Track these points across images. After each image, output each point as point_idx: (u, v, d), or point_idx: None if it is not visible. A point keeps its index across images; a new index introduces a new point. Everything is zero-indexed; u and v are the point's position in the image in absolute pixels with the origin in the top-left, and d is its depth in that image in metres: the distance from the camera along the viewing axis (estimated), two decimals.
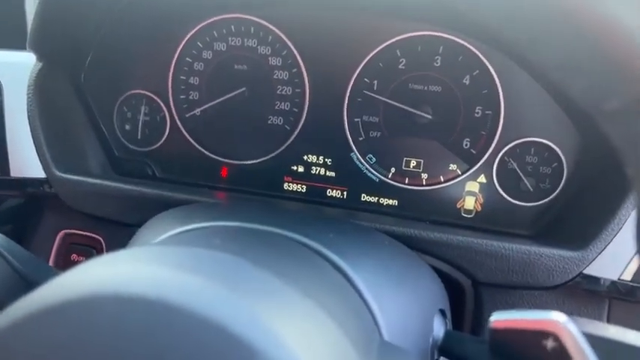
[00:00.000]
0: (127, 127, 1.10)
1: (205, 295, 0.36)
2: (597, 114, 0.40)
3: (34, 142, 0.96)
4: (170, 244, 0.51)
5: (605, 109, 0.38)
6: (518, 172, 0.95)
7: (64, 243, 1.03)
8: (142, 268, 0.40)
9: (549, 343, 0.44)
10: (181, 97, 1.07)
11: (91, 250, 1.00)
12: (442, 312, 0.72)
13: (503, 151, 0.95)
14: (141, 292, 0.37)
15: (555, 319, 0.45)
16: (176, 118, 1.08)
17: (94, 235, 1.00)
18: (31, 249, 1.04)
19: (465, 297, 0.89)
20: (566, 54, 0.36)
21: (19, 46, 1.13)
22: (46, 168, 0.96)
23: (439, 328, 0.70)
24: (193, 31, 1.04)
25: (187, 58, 1.06)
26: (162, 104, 1.08)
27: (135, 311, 0.37)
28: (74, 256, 1.01)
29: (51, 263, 1.03)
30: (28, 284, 0.72)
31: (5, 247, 0.71)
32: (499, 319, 0.47)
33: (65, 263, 1.02)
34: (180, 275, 0.39)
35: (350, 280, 0.57)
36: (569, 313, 0.85)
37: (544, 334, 0.45)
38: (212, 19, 1.03)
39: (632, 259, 0.79)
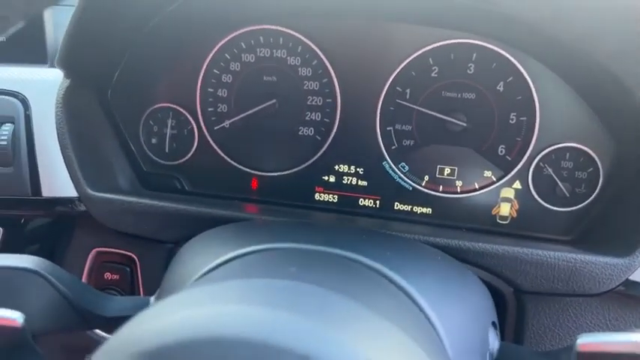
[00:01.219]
0: (154, 140, 1.08)
1: (315, 337, 0.36)
2: None
3: (65, 161, 0.94)
4: (245, 275, 0.50)
5: None
6: (554, 177, 0.95)
7: (96, 261, 1.01)
8: (238, 308, 0.39)
9: None
10: (209, 109, 1.06)
11: (124, 268, 0.99)
12: (494, 324, 0.72)
13: (538, 157, 0.95)
14: (245, 335, 0.36)
15: None
16: (204, 130, 1.06)
17: (127, 253, 0.99)
18: (63, 268, 1.03)
19: (507, 305, 0.89)
20: (624, 42, 0.35)
21: (37, 60, 1.12)
22: (78, 187, 0.94)
23: (493, 342, 0.70)
24: (221, 44, 1.03)
25: (215, 71, 1.04)
26: (189, 117, 1.06)
27: (239, 356, 0.36)
28: (107, 275, 1.00)
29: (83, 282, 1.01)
30: (75, 310, 0.71)
31: (51, 272, 0.70)
32: (586, 342, 0.46)
33: (97, 282, 1.01)
34: (281, 314, 0.38)
35: (417, 304, 0.56)
36: (614, 318, 0.85)
37: (635, 357, 0.44)
38: (240, 31, 1.02)
39: None
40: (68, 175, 0.95)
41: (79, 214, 0.98)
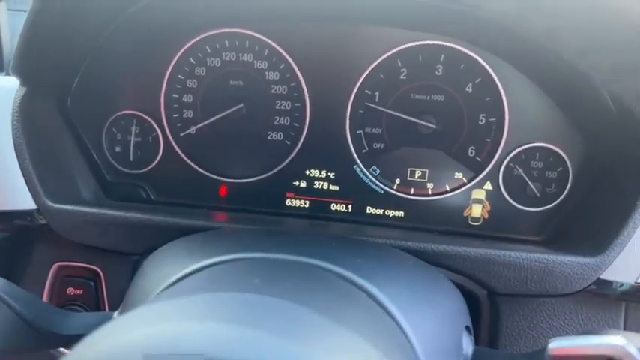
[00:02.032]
0: (118, 149, 1.05)
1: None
2: (627, 94, 0.38)
3: (23, 172, 0.90)
4: (206, 288, 0.48)
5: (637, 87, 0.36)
6: (525, 177, 0.95)
7: (58, 276, 0.97)
8: (196, 324, 0.37)
9: None
10: (175, 115, 1.03)
11: (88, 282, 0.95)
12: (467, 328, 0.71)
13: (508, 157, 0.95)
14: (204, 352, 0.34)
15: (616, 343, 0.44)
16: (170, 137, 1.03)
17: (91, 267, 0.95)
18: (22, 284, 0.98)
19: (481, 308, 0.88)
20: (590, 38, 0.34)
21: None
22: (37, 199, 0.90)
23: (467, 346, 0.69)
24: (185, 48, 1.00)
25: (180, 76, 1.02)
26: (154, 124, 1.03)
27: None
28: (70, 290, 0.96)
29: (44, 298, 0.97)
30: (34, 329, 0.68)
31: (7, 291, 0.67)
32: (558, 346, 0.45)
33: (60, 297, 0.97)
34: (240, 330, 0.36)
35: (389, 313, 0.55)
36: (587, 318, 0.85)
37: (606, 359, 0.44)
38: (204, 35, 0.99)
39: None
40: (26, 186, 0.91)
41: (38, 228, 0.93)
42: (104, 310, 0.96)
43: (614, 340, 0.45)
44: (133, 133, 1.04)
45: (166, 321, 0.37)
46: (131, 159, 1.05)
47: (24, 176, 0.90)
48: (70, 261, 0.96)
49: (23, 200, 0.91)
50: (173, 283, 0.58)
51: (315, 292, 0.49)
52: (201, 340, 0.35)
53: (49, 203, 0.90)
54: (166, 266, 0.65)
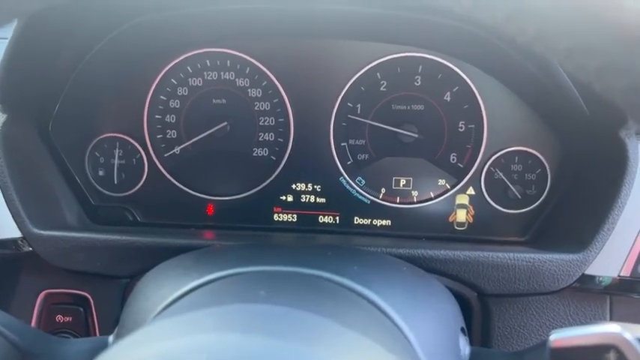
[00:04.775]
0: (101, 172, 1.04)
1: None
2: (612, 92, 0.39)
3: (6, 200, 0.88)
4: (215, 302, 0.48)
5: (621, 86, 0.37)
6: (505, 180, 0.98)
7: (46, 304, 0.95)
8: (216, 336, 0.37)
9: (611, 356, 0.45)
10: (158, 136, 1.03)
11: (77, 308, 0.93)
12: (463, 330, 0.73)
13: (489, 162, 0.98)
14: None
15: (614, 331, 0.46)
16: (154, 158, 1.03)
17: (80, 293, 0.93)
18: (9, 314, 0.96)
19: (472, 310, 0.90)
20: (576, 38, 0.36)
21: None
22: (22, 226, 0.88)
23: (464, 347, 0.70)
24: (166, 69, 1.01)
25: (162, 97, 1.02)
26: (137, 146, 1.03)
27: None
28: (59, 318, 0.94)
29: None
30: (27, 358, 0.67)
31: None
32: (558, 338, 0.47)
33: (48, 326, 0.94)
34: (262, 340, 0.36)
35: (390, 318, 0.56)
36: (574, 313, 0.88)
37: (605, 348, 0.45)
38: (185, 55, 1.00)
39: (628, 255, 0.83)
40: (10, 214, 0.89)
41: (24, 255, 0.92)
42: (94, 336, 0.94)
43: (611, 328, 0.47)
44: (117, 155, 1.03)
45: (186, 335, 0.38)
46: (115, 182, 1.04)
47: (7, 204, 0.89)
48: (57, 288, 0.95)
49: (6, 228, 0.90)
50: (174, 302, 0.58)
51: (321, 301, 0.49)
52: (225, 352, 0.35)
53: (35, 230, 0.89)
54: (164, 286, 0.65)
